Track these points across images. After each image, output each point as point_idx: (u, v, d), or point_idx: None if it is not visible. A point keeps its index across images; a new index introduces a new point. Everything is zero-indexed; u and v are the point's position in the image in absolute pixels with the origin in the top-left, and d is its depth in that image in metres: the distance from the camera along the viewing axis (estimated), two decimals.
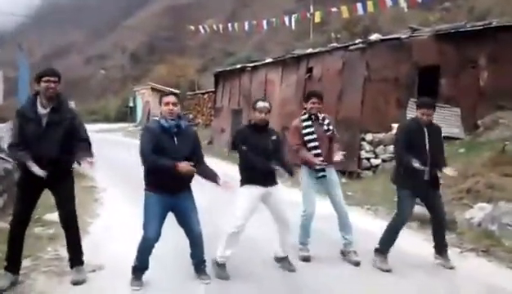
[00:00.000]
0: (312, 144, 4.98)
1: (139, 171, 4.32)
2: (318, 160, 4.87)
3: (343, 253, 5.08)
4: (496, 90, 9.73)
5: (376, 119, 10.42)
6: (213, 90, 20.45)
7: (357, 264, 4.89)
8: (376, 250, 4.87)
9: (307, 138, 4.98)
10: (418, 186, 4.69)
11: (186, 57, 41.35)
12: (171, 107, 4.14)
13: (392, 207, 6.61)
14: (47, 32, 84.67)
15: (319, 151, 4.95)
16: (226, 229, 4.47)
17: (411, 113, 9.93)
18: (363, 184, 9.45)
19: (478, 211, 6.08)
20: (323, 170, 4.95)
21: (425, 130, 4.75)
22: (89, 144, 4.24)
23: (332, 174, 5.09)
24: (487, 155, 8.08)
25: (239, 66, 17.32)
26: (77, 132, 4.17)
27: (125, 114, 38.07)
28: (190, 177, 4.23)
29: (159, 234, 4.15)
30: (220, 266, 4.48)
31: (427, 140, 4.73)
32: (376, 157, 10.29)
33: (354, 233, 5.11)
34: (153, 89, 31.20)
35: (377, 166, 10.23)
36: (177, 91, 27.15)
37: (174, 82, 33.29)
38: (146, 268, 4.26)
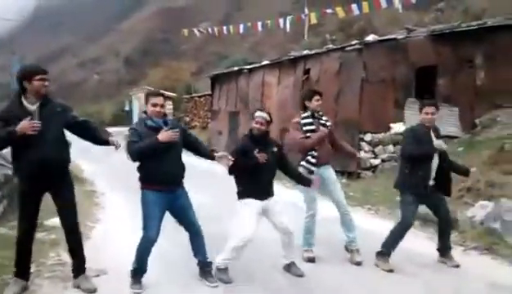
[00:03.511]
0: None
1: (137, 174, 4.30)
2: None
3: (347, 249, 5.09)
4: (493, 88, 9.76)
5: (375, 120, 10.46)
6: (210, 93, 20.41)
7: (358, 264, 4.90)
8: (378, 253, 4.86)
9: (308, 134, 4.95)
10: (421, 192, 4.71)
11: (181, 61, 41.24)
12: (158, 109, 4.15)
13: (393, 206, 6.65)
14: (41, 36, 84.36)
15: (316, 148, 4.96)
16: (232, 242, 4.38)
17: (409, 112, 9.98)
18: (363, 185, 9.47)
19: (480, 210, 6.09)
20: (317, 165, 4.92)
21: (432, 134, 4.76)
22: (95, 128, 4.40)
23: (329, 172, 5.09)
24: (486, 153, 8.11)
25: (236, 69, 17.29)
26: (80, 122, 4.21)
27: (121, 118, 37.89)
28: (182, 171, 4.27)
29: (158, 234, 4.13)
30: (221, 270, 4.43)
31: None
32: (376, 157, 10.32)
33: (356, 234, 5.11)
34: None
35: (376, 166, 10.25)
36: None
37: (170, 86, 33.19)
38: (145, 271, 4.23)
